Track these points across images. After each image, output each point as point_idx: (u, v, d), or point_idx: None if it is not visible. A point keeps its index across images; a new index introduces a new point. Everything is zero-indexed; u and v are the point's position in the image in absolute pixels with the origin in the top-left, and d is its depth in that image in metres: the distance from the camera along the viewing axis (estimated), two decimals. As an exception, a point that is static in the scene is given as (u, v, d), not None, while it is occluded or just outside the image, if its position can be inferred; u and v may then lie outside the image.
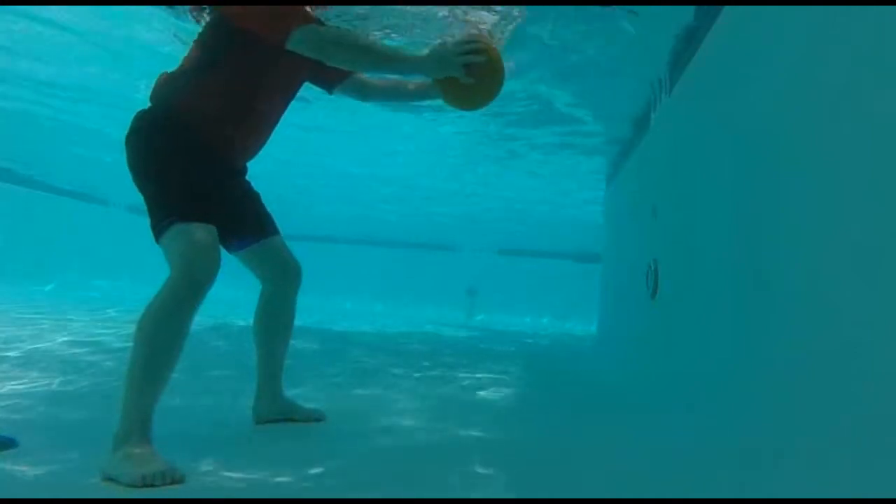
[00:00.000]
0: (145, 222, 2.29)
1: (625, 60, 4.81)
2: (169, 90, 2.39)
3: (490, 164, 9.59)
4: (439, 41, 2.45)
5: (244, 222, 2.62)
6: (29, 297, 9.56)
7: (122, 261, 13.83)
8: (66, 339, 5.07)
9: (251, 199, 2.68)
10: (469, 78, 2.35)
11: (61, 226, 13.90)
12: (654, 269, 4.31)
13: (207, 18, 2.57)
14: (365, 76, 2.80)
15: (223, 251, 2.40)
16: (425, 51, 2.43)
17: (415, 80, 2.70)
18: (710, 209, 3.16)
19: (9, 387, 3.15)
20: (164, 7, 4.65)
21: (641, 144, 5.72)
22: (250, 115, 2.46)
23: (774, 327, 2.27)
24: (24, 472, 1.96)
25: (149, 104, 2.41)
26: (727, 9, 3.10)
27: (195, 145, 2.33)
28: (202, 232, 2.21)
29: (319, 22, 2.44)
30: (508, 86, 2.53)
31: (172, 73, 2.44)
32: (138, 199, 2.37)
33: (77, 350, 4.54)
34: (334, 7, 4.12)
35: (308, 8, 2.55)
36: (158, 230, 2.24)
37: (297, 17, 2.33)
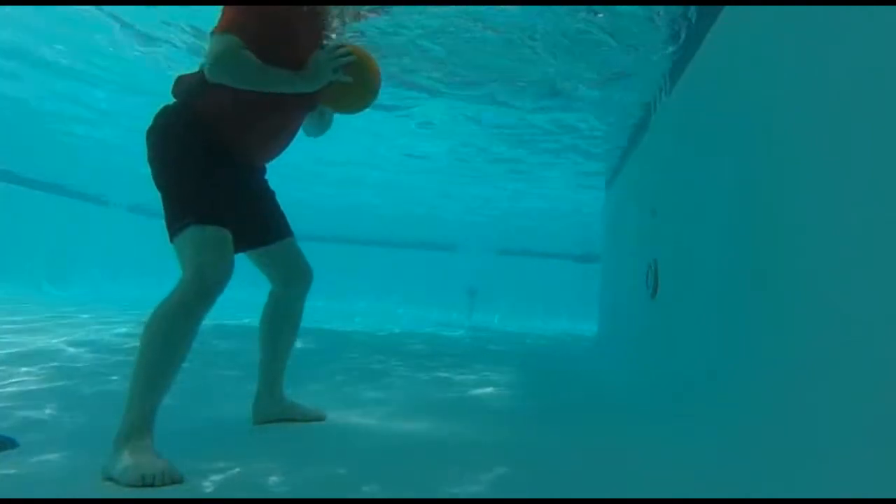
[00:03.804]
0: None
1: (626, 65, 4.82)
2: (189, 89, 2.38)
3: (490, 165, 9.60)
4: (311, 57, 2.48)
5: (258, 223, 2.59)
6: (36, 298, 9.56)
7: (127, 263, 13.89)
8: (67, 339, 5.07)
9: (266, 200, 2.67)
10: (346, 77, 2.50)
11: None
12: (654, 269, 4.31)
13: None
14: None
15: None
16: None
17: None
18: (710, 209, 3.16)
19: (9, 387, 3.15)
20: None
21: (641, 145, 5.72)
22: (269, 118, 2.44)
23: (774, 327, 2.27)
24: (24, 472, 1.96)
25: (172, 100, 2.41)
26: (727, 9, 3.10)
27: (212, 146, 2.33)
28: (217, 236, 2.20)
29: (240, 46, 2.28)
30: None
31: (194, 72, 2.42)
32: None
33: (79, 350, 4.55)
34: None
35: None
36: (173, 231, 2.23)
37: (231, 26, 2.25)
